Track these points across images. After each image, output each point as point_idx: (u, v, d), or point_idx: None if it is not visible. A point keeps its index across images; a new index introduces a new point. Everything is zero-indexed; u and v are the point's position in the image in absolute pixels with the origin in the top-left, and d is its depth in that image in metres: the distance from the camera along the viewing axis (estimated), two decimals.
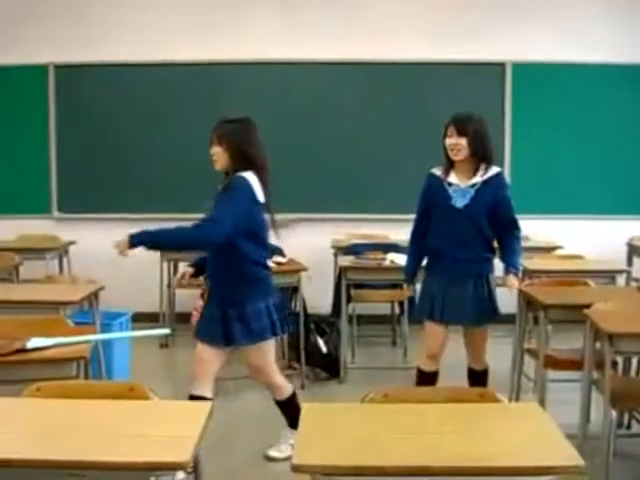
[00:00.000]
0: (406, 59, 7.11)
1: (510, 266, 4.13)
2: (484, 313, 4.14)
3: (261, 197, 3.65)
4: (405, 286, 5.32)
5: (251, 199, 3.59)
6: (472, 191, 4.03)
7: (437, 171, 4.14)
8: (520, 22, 7.12)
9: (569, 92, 7.14)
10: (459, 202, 4.03)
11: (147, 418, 2.26)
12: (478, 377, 4.23)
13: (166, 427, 2.16)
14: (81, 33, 7.18)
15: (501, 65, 7.15)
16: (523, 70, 7.13)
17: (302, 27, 7.17)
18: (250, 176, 3.61)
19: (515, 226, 4.14)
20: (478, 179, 4.03)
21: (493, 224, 4.08)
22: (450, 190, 4.05)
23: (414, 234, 4.31)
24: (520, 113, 7.16)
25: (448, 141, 4.00)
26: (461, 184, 4.05)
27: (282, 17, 7.20)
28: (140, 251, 6.67)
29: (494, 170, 4.07)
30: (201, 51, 7.11)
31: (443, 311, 4.10)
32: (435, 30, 7.14)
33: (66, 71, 7.22)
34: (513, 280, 4.13)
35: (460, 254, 4.05)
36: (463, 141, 3.95)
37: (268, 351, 3.88)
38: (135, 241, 3.48)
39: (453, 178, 4.07)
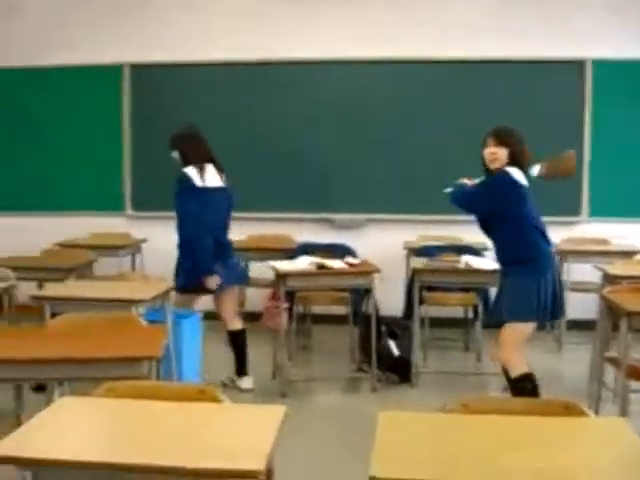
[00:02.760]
0: (475, 57, 6.96)
1: None
2: None
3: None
4: None
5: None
6: None
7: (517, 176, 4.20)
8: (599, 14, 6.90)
9: None
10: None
11: (218, 423, 2.21)
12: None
13: (238, 432, 2.11)
14: (156, 33, 7.24)
15: (581, 63, 6.93)
16: (604, 68, 6.89)
17: (365, 26, 7.10)
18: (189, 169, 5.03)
19: None
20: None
21: None
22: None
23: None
24: (600, 112, 6.93)
25: (487, 151, 4.27)
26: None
27: (347, 15, 7.13)
28: None
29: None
30: (268, 50, 7.12)
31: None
32: (504, 25, 6.96)
33: (141, 70, 7.30)
34: None
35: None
36: (499, 150, 4.21)
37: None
38: None
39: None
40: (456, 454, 1.99)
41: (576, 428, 2.26)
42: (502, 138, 4.22)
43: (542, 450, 2.03)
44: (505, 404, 2.45)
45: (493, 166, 4.22)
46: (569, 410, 2.34)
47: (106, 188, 7.45)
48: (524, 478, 1.85)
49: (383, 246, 6.77)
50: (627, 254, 6.18)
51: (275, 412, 2.20)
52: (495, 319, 4.31)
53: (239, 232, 6.79)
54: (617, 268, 5.37)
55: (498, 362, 4.33)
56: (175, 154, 5.18)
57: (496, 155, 4.20)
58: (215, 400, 2.39)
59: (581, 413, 2.31)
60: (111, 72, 7.31)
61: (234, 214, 6.62)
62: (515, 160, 4.20)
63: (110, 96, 7.37)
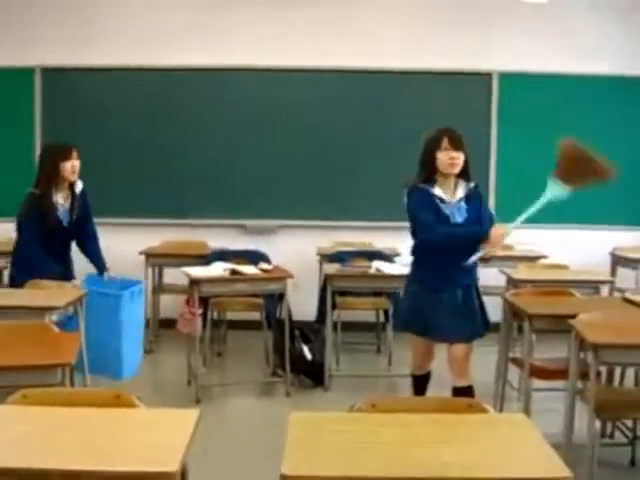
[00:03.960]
0: (392, 68, 7.13)
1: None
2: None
3: None
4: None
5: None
6: (463, 205, 3.98)
7: (422, 185, 3.98)
8: (507, 32, 7.16)
9: (555, 102, 7.18)
10: (458, 217, 3.96)
11: (133, 427, 2.25)
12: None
13: (153, 436, 2.15)
14: (69, 36, 7.14)
15: (488, 75, 7.18)
16: (509, 80, 7.16)
17: (287, 34, 7.18)
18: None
19: None
20: (461, 194, 4.00)
21: None
22: (442, 206, 3.95)
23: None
24: (505, 123, 7.19)
25: (448, 154, 3.89)
26: (447, 198, 3.97)
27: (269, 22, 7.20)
28: (125, 257, 6.69)
29: (472, 183, 4.06)
30: (191, 56, 7.11)
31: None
32: (420, 40, 7.16)
33: (53, 74, 7.18)
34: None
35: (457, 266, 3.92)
36: (461, 155, 3.92)
37: None
38: None
39: (439, 192, 3.96)
40: (364, 451, 2.07)
41: (479, 424, 2.37)
42: (461, 142, 3.95)
43: (447, 445, 2.14)
44: (411, 403, 2.56)
45: (454, 171, 3.93)
46: (472, 408, 2.46)
47: (17, 193, 7.29)
48: (430, 471, 1.94)
49: (297, 252, 6.86)
50: (531, 259, 6.42)
51: (189, 416, 2.25)
52: (478, 333, 4.08)
53: (153, 238, 6.81)
54: (520, 272, 5.59)
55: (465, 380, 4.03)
56: None
57: (459, 160, 3.93)
58: (130, 405, 2.43)
59: (482, 410, 2.44)
60: (22, 76, 7.19)
61: (149, 220, 6.64)
62: (466, 168, 4.00)
63: (21, 100, 7.24)
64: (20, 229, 4.93)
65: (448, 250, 3.91)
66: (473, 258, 3.86)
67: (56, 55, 7.11)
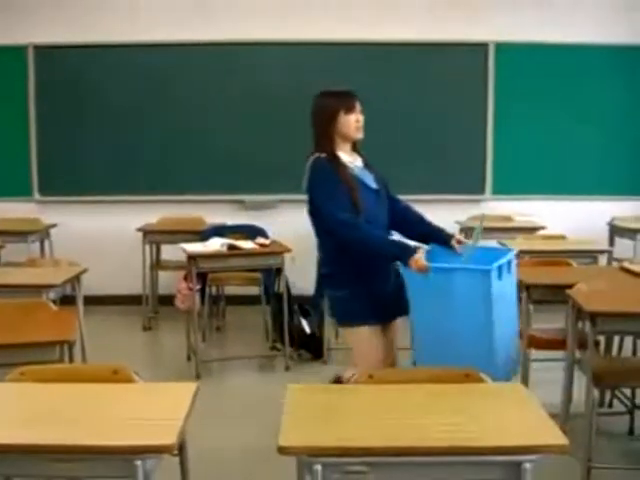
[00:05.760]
0: (387, 40, 7.06)
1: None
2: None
3: None
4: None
5: None
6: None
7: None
8: (503, 2, 7.11)
9: (551, 73, 7.14)
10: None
11: (132, 401, 2.26)
12: None
13: (151, 410, 2.16)
14: (60, 13, 7.09)
15: (484, 46, 7.13)
16: (506, 50, 7.11)
17: (289, 6, 7.14)
18: None
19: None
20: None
21: None
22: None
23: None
24: (502, 94, 7.15)
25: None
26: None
27: None
28: (122, 234, 6.70)
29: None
30: (185, 31, 7.05)
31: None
32: (416, 12, 7.10)
33: (45, 52, 7.14)
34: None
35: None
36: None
37: None
38: None
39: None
40: (361, 422, 2.08)
41: (477, 394, 2.38)
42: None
43: (445, 415, 2.15)
44: (408, 374, 2.56)
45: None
46: (469, 377, 2.46)
47: (13, 173, 7.29)
48: (427, 441, 1.95)
49: (295, 226, 6.77)
50: (529, 230, 6.42)
51: (187, 389, 2.26)
52: None
53: (150, 215, 6.80)
54: (519, 243, 5.57)
55: None
56: None
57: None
58: (128, 380, 2.44)
59: (480, 380, 2.44)
60: (15, 53, 7.14)
61: (146, 197, 6.61)
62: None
63: (15, 78, 7.20)
64: None
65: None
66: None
67: (49, 33, 7.05)
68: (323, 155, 3.49)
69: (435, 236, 3.53)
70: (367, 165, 3.57)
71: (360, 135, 3.51)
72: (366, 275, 3.41)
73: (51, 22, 7.07)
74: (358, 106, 3.51)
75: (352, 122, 3.48)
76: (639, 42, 7.09)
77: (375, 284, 3.42)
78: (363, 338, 3.45)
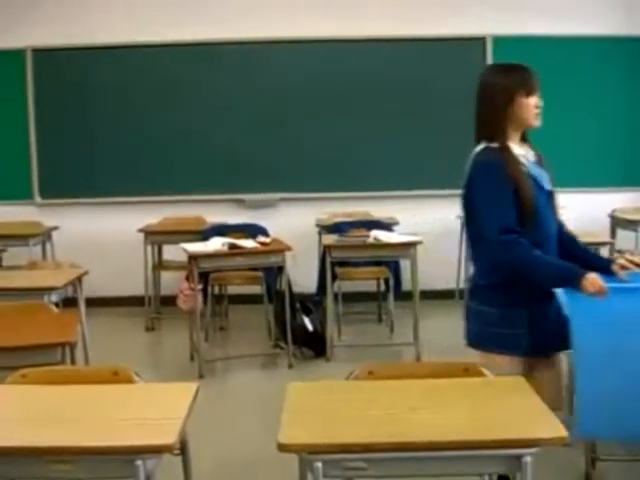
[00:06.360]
0: (386, 35, 7.06)
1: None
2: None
3: None
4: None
5: None
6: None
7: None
8: None
9: (550, 65, 7.09)
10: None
11: (132, 402, 2.26)
12: None
13: (151, 410, 2.16)
14: (58, 16, 7.09)
15: (482, 39, 7.12)
16: (503, 44, 7.10)
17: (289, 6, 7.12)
18: None
19: None
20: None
21: None
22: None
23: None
24: None
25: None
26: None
27: None
28: (123, 236, 6.70)
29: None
30: (183, 30, 7.03)
31: None
32: (413, 6, 7.09)
33: (44, 54, 7.14)
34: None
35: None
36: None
37: None
38: None
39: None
40: (361, 418, 2.09)
41: (477, 388, 2.38)
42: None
43: (445, 409, 2.15)
44: (408, 369, 2.56)
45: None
46: (469, 372, 2.46)
47: (14, 176, 7.29)
48: (428, 436, 1.95)
49: (295, 224, 6.84)
50: None
51: (187, 389, 2.26)
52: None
53: (151, 216, 6.80)
54: None
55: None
56: None
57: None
58: (129, 381, 2.44)
59: (480, 374, 2.44)
60: (14, 57, 7.14)
61: (147, 197, 6.60)
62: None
63: (13, 81, 7.20)
64: None
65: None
66: None
67: (47, 35, 7.06)
68: (494, 145, 2.86)
69: (593, 261, 2.86)
70: (540, 161, 2.98)
71: (539, 123, 2.96)
72: (532, 294, 2.73)
73: (49, 25, 7.07)
74: (538, 90, 2.98)
75: (532, 107, 2.94)
76: (637, 33, 7.08)
77: (541, 307, 2.75)
78: (500, 370, 2.57)
